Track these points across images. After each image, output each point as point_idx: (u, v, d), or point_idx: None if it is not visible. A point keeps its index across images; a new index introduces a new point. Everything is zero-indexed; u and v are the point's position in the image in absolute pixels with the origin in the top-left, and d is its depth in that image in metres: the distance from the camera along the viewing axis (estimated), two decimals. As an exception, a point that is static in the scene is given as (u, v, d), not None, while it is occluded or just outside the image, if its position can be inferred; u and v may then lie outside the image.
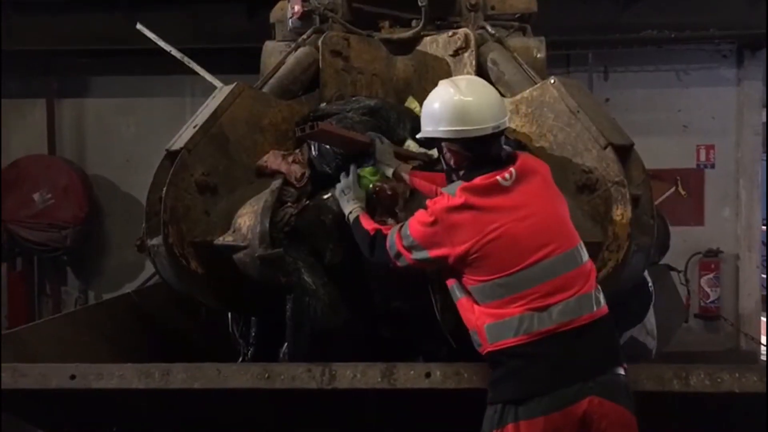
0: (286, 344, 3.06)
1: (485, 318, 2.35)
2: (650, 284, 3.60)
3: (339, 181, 2.90)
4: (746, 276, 7.18)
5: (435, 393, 2.49)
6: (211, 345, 3.51)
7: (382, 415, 2.67)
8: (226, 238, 2.99)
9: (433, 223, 2.40)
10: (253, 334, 3.42)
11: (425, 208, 2.47)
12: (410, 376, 2.49)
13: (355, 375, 2.49)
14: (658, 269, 4.31)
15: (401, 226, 2.53)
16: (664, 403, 2.46)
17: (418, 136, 2.66)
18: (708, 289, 7.03)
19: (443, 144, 2.51)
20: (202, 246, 3.02)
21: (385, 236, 2.57)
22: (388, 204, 2.85)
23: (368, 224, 2.67)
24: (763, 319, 7.28)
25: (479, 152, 2.46)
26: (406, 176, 2.89)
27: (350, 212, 2.75)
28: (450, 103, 2.47)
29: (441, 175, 2.74)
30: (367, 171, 2.95)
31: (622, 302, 3.24)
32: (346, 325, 2.97)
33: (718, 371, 2.42)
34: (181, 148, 3.00)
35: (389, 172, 2.93)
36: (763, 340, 6.99)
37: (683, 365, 2.47)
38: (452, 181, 2.52)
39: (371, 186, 2.88)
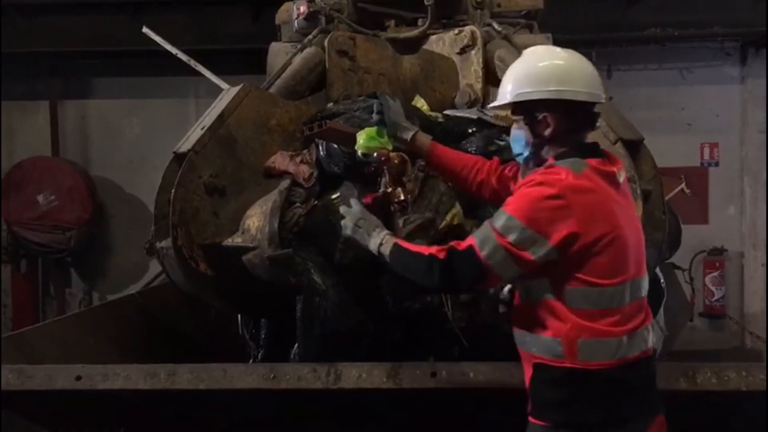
0: (296, 345, 3.05)
1: (580, 331, 2.01)
2: (662, 281, 3.58)
3: (347, 179, 2.87)
4: (751, 274, 7.17)
5: (441, 393, 2.48)
6: (220, 347, 3.49)
7: (389, 416, 2.66)
8: (235, 240, 2.99)
9: (559, 202, 1.97)
10: (263, 335, 3.41)
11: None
12: (416, 375, 2.49)
13: (360, 375, 2.49)
14: (664, 268, 4.29)
15: (490, 223, 2.03)
16: (671, 401, 2.44)
17: (506, 100, 2.21)
18: (713, 288, 7.02)
19: (542, 113, 2.13)
20: (211, 248, 3.01)
21: (462, 251, 2.03)
22: (393, 174, 2.47)
23: (419, 247, 2.17)
24: (769, 317, 7.26)
25: (584, 124, 2.16)
26: (426, 146, 2.55)
27: (381, 243, 2.21)
28: (560, 64, 2.15)
29: (471, 157, 2.59)
30: (370, 132, 2.53)
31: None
32: (356, 326, 2.96)
33: (725, 369, 2.42)
34: (189, 150, 3.00)
35: (407, 134, 2.53)
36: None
37: (690, 364, 2.49)
38: (539, 158, 2.17)
39: (374, 153, 2.49)
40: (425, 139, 2.55)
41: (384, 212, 2.38)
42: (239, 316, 3.46)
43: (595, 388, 2.03)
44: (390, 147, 2.48)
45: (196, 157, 2.98)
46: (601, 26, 6.67)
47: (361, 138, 2.51)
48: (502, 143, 3.04)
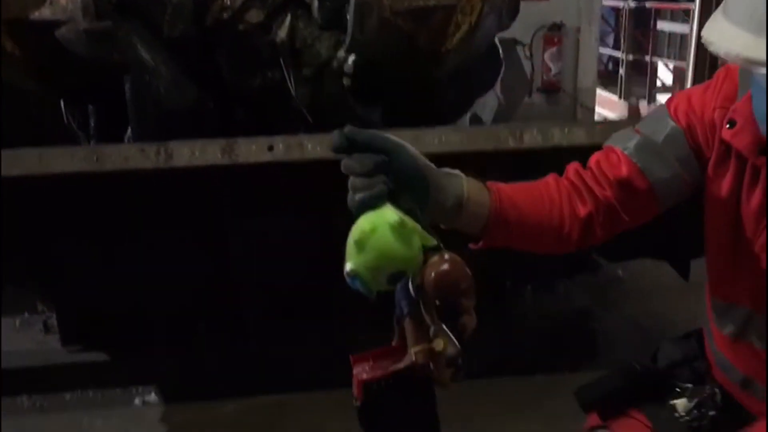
0: (129, 129, 2.75)
1: None
2: (500, 51, 3.44)
3: None
4: (585, 49, 7.26)
5: (278, 166, 2.30)
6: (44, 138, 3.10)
7: (226, 194, 2.49)
8: (44, 13, 2.55)
9: None
10: (93, 123, 3.04)
11: None
12: (252, 150, 2.29)
13: (193, 152, 2.27)
14: (505, 43, 4.16)
15: None
16: (501, 161, 2.42)
17: None
18: (550, 63, 7.08)
19: None
20: (17, 24, 2.57)
21: None
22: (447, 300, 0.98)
23: None
24: (599, 91, 7.53)
25: None
26: (485, 202, 1.10)
27: None
28: None
29: (546, 188, 1.16)
30: (390, 221, 0.93)
31: (474, 68, 3.11)
32: (193, 104, 2.71)
33: (549, 128, 2.41)
34: None
35: (455, 185, 1.07)
36: (597, 110, 7.28)
37: (517, 124, 2.45)
38: None
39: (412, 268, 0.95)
40: (481, 191, 1.10)
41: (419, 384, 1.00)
42: (62, 103, 3.05)
43: None
44: (433, 241, 0.96)
45: None
46: None
47: (376, 246, 0.93)
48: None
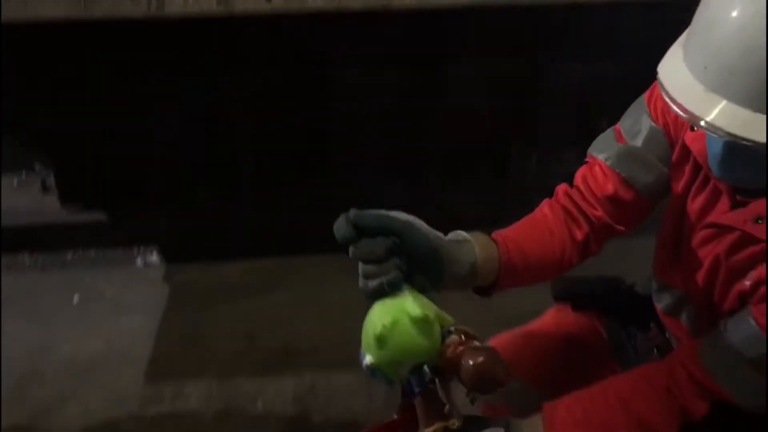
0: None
1: None
2: None
3: None
4: None
5: (277, 18, 2.15)
6: None
7: (221, 46, 2.35)
8: None
9: None
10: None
11: None
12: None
13: (186, 1, 2.09)
14: None
15: None
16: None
17: None
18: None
19: None
20: None
21: None
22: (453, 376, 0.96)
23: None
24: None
25: None
26: (494, 257, 1.09)
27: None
28: None
29: (547, 222, 1.17)
30: (407, 310, 0.89)
31: None
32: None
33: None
34: None
35: (465, 252, 1.04)
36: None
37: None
38: None
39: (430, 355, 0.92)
40: (489, 246, 1.09)
41: None
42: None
43: None
44: (450, 320, 0.95)
45: None
46: None
47: (399, 343, 0.89)
48: None
